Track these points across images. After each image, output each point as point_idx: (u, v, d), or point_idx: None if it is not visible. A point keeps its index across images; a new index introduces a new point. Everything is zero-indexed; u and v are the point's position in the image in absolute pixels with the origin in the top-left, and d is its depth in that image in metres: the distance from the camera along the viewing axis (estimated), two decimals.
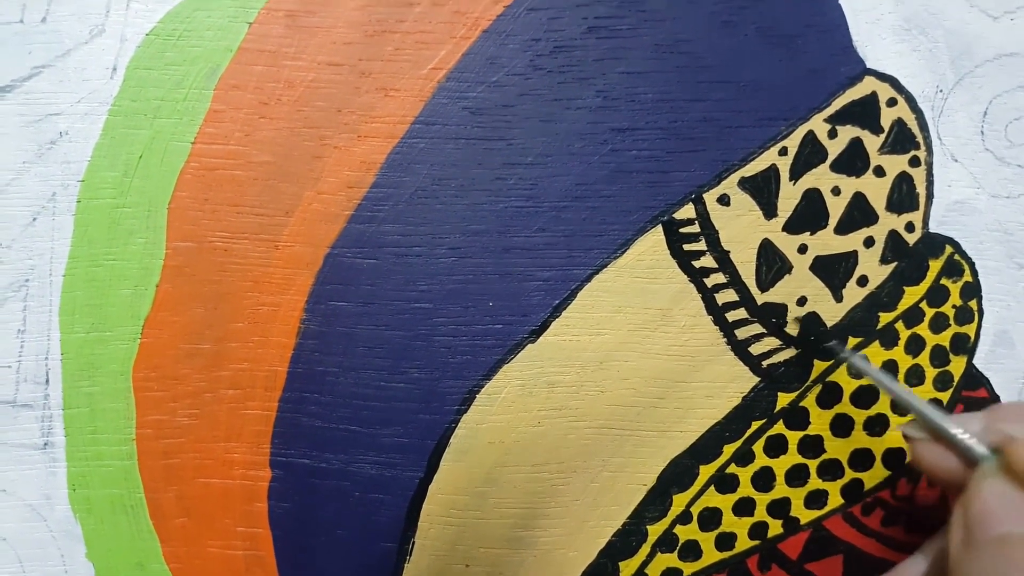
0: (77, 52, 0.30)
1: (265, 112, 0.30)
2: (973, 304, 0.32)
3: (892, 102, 0.32)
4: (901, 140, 0.32)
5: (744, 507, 0.32)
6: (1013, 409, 0.28)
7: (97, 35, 0.30)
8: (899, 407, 0.32)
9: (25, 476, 0.30)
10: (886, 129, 0.32)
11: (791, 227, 0.32)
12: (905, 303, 0.32)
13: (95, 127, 0.30)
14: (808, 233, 0.32)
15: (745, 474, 0.32)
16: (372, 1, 0.31)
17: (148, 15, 0.30)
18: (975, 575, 0.25)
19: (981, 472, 0.26)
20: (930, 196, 0.32)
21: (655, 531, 0.31)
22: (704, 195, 0.31)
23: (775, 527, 0.32)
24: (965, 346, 0.32)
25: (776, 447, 0.32)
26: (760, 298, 0.31)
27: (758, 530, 0.32)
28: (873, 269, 0.32)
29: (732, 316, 0.31)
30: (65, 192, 0.30)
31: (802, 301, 0.31)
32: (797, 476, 0.32)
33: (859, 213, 0.32)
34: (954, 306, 0.32)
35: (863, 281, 0.32)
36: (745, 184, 0.31)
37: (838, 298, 0.32)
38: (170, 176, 0.30)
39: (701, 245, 0.31)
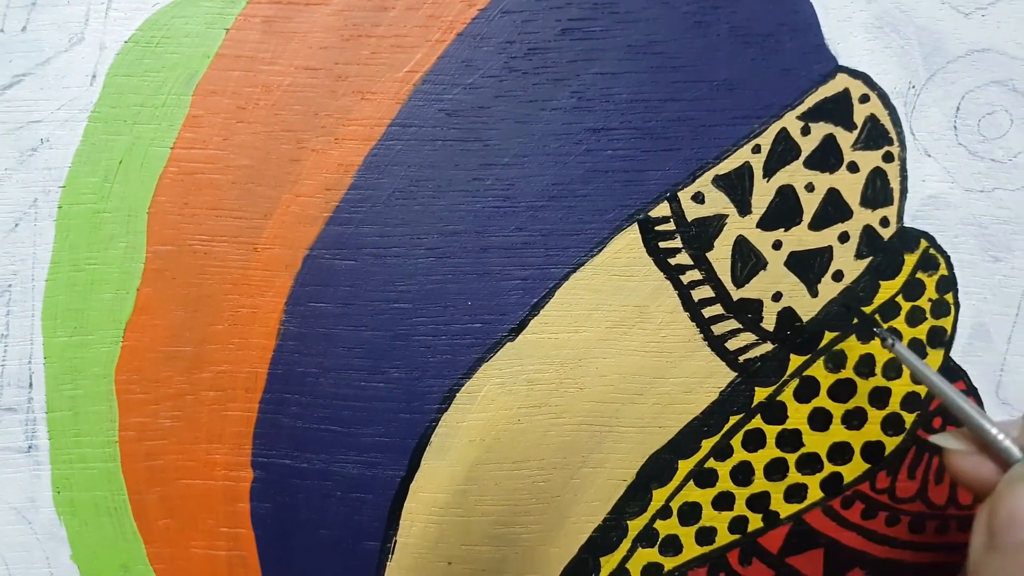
0: (57, 60, 0.31)
1: (243, 117, 0.31)
2: (949, 297, 0.33)
3: (865, 98, 0.32)
4: (874, 136, 0.32)
5: (723, 501, 0.32)
6: None
7: (77, 43, 0.31)
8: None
9: (9, 479, 0.30)
10: (859, 125, 0.32)
11: (765, 224, 0.32)
12: (881, 297, 0.32)
13: (75, 134, 0.30)
14: (783, 229, 0.32)
15: (724, 468, 0.32)
16: (347, 6, 0.31)
17: (127, 23, 0.31)
18: None
19: (1011, 477, 0.26)
20: (904, 191, 0.33)
21: (635, 526, 0.32)
22: (679, 193, 0.32)
23: (755, 521, 0.32)
24: (942, 339, 0.33)
25: (754, 441, 0.32)
26: (736, 294, 0.32)
27: (738, 524, 0.32)
28: (848, 264, 0.32)
29: (708, 312, 0.32)
30: (46, 198, 0.30)
31: (777, 296, 0.32)
32: (776, 470, 0.32)
33: (833, 209, 0.32)
34: (930, 300, 0.32)
35: (838, 276, 0.32)
36: (719, 182, 0.32)
37: (813, 293, 0.32)
38: (150, 181, 0.31)
39: (676, 243, 0.32)
